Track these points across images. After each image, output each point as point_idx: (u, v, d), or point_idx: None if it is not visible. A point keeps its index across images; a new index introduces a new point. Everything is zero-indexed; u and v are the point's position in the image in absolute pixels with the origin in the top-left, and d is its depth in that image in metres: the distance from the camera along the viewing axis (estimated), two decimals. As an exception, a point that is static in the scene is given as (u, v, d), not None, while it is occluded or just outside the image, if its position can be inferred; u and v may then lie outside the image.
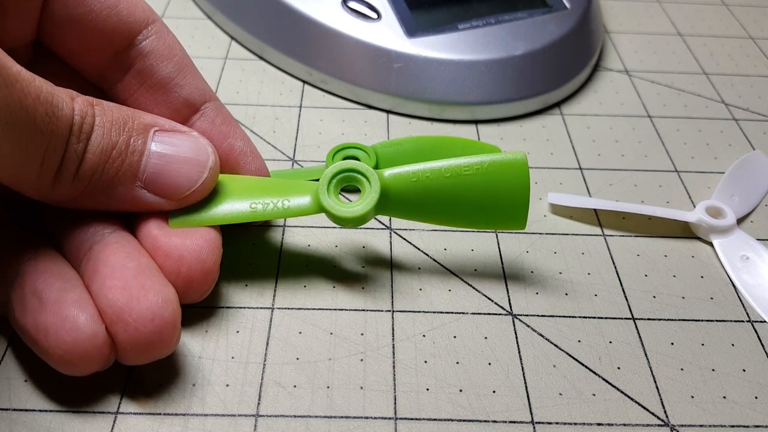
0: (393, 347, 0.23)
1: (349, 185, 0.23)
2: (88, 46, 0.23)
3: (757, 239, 0.28)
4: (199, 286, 0.21)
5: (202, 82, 0.25)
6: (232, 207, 0.23)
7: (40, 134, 0.19)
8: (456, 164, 0.23)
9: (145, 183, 0.21)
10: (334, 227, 0.27)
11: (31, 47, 0.23)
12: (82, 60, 0.24)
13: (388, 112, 0.34)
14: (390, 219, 0.28)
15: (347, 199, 0.27)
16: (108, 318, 0.19)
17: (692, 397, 0.22)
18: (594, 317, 0.25)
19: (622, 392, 0.22)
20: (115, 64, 0.24)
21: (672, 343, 0.24)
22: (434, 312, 0.24)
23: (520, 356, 0.23)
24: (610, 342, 0.24)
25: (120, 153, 0.21)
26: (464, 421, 0.21)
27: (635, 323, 0.24)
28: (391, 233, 0.27)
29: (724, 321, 0.25)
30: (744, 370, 0.23)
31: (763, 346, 0.24)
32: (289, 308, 0.24)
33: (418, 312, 0.24)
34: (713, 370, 0.23)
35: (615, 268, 0.26)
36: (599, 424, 0.21)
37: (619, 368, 0.23)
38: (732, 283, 0.26)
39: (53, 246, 0.22)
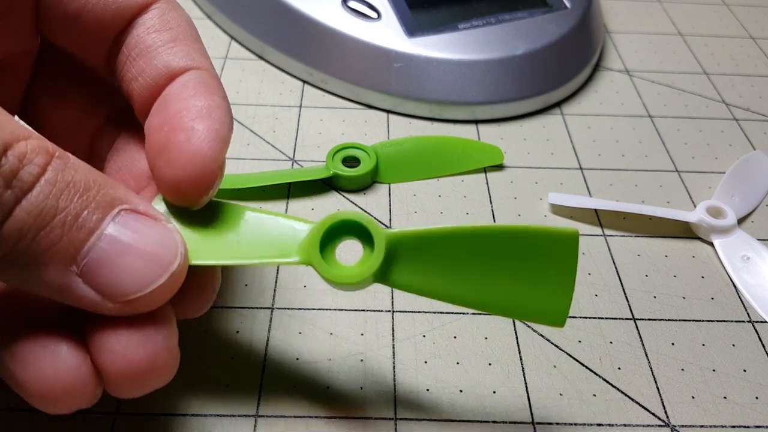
0: (393, 347, 0.23)
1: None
2: (89, 36, 0.21)
3: (758, 239, 0.28)
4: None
5: (195, 52, 0.21)
6: (216, 244, 0.19)
7: None
8: (491, 231, 0.18)
9: (81, 270, 0.16)
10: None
11: (35, 52, 0.23)
12: (88, 50, 0.22)
13: (388, 111, 0.34)
14: (390, 219, 0.28)
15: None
16: (92, 345, 0.17)
17: (693, 397, 0.22)
18: (594, 317, 0.25)
19: (622, 392, 0.22)
20: (115, 48, 0.21)
21: (672, 344, 0.24)
22: (434, 312, 0.24)
23: (520, 356, 0.23)
24: (611, 342, 0.24)
25: (62, 224, 0.16)
26: (464, 421, 0.21)
27: (636, 323, 0.24)
28: (391, 233, 0.27)
29: (724, 321, 0.25)
30: (745, 371, 0.23)
31: (763, 346, 0.24)
32: (289, 308, 0.24)
33: (418, 312, 0.24)
34: (714, 370, 0.23)
35: (615, 268, 0.26)
36: (600, 425, 0.21)
37: (619, 368, 0.23)
38: (733, 283, 0.26)
39: None
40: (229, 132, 0.19)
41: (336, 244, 0.19)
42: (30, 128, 0.17)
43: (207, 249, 0.18)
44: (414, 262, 0.18)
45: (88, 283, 0.16)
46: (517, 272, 0.18)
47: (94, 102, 0.23)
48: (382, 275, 0.18)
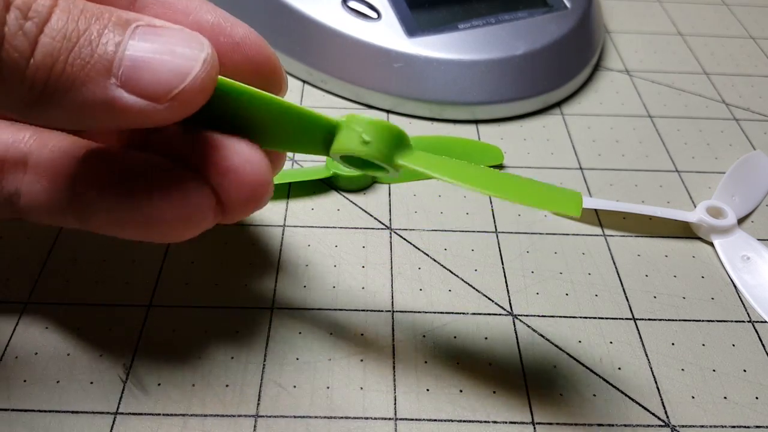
0: (393, 347, 0.23)
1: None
2: None
3: (758, 239, 0.28)
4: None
5: None
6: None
7: None
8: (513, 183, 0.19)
9: (121, 80, 0.16)
10: (334, 227, 0.27)
11: None
12: None
13: (388, 111, 0.34)
14: (390, 219, 0.28)
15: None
16: (214, 175, 0.18)
17: (693, 397, 0.22)
18: (594, 317, 0.25)
19: (622, 393, 0.22)
20: None
21: (673, 344, 0.24)
22: (434, 312, 0.24)
23: (520, 356, 0.23)
24: (611, 342, 0.24)
25: (89, 42, 0.16)
26: (464, 421, 0.21)
27: (636, 323, 0.24)
28: (391, 233, 0.27)
29: (724, 321, 0.25)
30: (745, 371, 0.23)
31: (763, 346, 0.24)
32: (289, 308, 0.24)
33: (418, 312, 0.24)
34: (714, 370, 0.23)
35: (615, 268, 0.26)
36: (600, 425, 0.21)
37: (619, 368, 0.23)
38: (733, 283, 0.26)
39: None
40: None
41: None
42: None
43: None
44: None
45: (131, 91, 0.17)
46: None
47: None
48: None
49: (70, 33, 0.16)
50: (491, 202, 0.29)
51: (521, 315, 0.24)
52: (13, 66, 0.16)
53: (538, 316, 0.24)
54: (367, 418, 0.21)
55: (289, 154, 0.31)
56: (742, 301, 0.25)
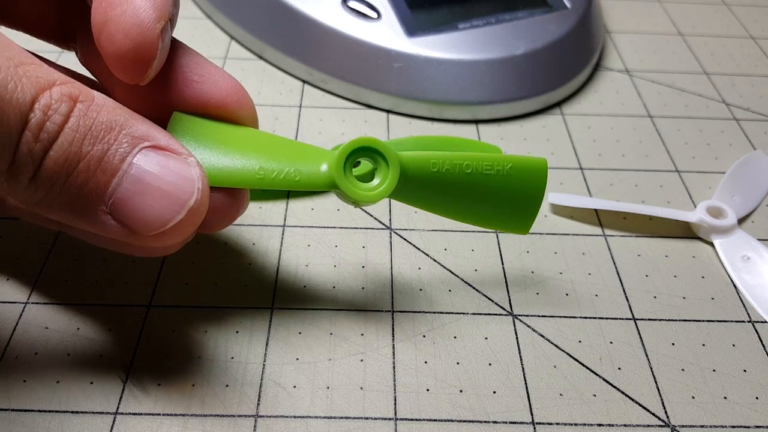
0: (393, 347, 0.23)
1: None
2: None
3: (758, 239, 0.28)
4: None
5: None
6: (238, 163, 0.20)
7: None
8: (478, 159, 0.22)
9: (110, 208, 0.18)
10: (334, 227, 0.27)
11: None
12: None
13: (388, 111, 0.34)
14: (390, 219, 0.28)
15: None
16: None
17: (693, 397, 0.22)
18: (595, 317, 0.25)
19: (622, 393, 0.22)
20: None
21: (673, 344, 0.24)
22: (434, 312, 0.24)
23: (520, 357, 0.23)
24: (611, 342, 0.24)
25: (87, 168, 0.17)
26: (464, 421, 0.21)
27: (636, 323, 0.24)
28: (391, 233, 0.27)
29: (724, 321, 0.25)
30: (745, 371, 0.23)
31: (763, 346, 0.24)
32: (289, 308, 0.24)
33: (418, 312, 0.24)
34: (714, 370, 0.23)
35: (616, 268, 0.26)
36: (600, 425, 0.21)
37: (619, 369, 0.23)
38: (733, 283, 0.26)
39: None
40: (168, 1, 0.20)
41: (351, 169, 0.21)
42: (56, 72, 0.18)
43: (230, 170, 0.20)
44: (418, 180, 0.21)
45: (117, 221, 0.18)
46: (501, 191, 0.22)
47: None
48: (396, 191, 0.21)
49: (72, 157, 0.17)
50: (491, 202, 0.29)
51: (521, 315, 0.24)
52: (15, 182, 0.17)
53: (538, 316, 0.24)
54: (367, 418, 0.21)
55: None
56: (742, 301, 0.25)
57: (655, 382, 0.23)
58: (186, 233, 0.18)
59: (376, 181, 0.21)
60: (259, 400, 0.21)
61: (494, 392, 0.22)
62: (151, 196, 0.18)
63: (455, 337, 0.24)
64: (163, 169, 0.18)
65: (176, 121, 0.20)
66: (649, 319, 0.25)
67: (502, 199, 0.22)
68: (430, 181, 0.22)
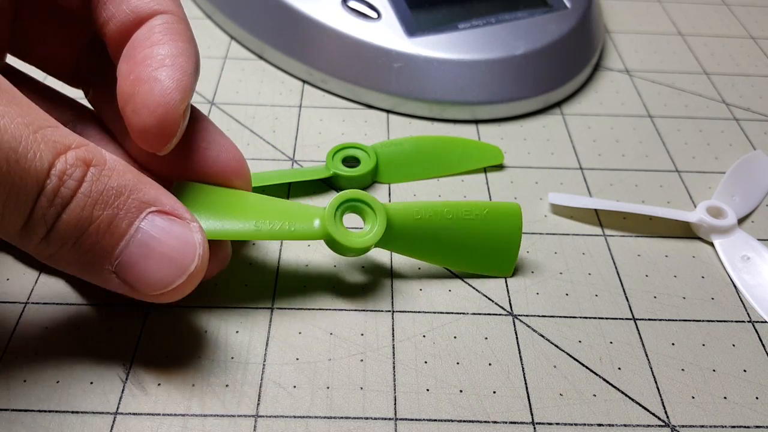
0: (393, 347, 0.23)
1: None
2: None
3: (758, 239, 0.28)
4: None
5: None
6: (236, 225, 0.22)
7: None
8: (457, 207, 0.24)
9: (115, 268, 0.19)
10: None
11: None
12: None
13: (388, 111, 0.34)
14: (390, 219, 0.28)
15: None
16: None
17: (693, 397, 0.22)
18: (595, 317, 0.25)
19: (622, 393, 0.22)
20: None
21: (673, 344, 0.24)
22: (434, 312, 0.24)
23: (520, 357, 0.23)
24: (611, 342, 0.24)
25: (96, 231, 0.18)
26: (464, 421, 0.21)
27: (636, 323, 0.24)
28: (391, 233, 0.27)
29: (724, 321, 0.25)
30: (745, 371, 0.23)
31: (763, 346, 0.24)
32: (288, 308, 0.24)
33: (418, 312, 0.24)
34: (714, 370, 0.23)
35: (616, 268, 0.26)
36: (600, 425, 0.21)
37: (619, 369, 0.23)
38: (733, 283, 0.26)
39: None
40: (192, 78, 0.21)
41: (341, 219, 0.23)
42: (72, 134, 0.18)
43: (228, 225, 0.22)
44: (404, 229, 0.24)
45: (122, 280, 0.19)
46: (481, 235, 0.25)
47: (73, 34, 0.25)
48: (383, 239, 0.23)
49: (83, 221, 0.18)
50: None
51: (521, 315, 0.24)
52: (27, 240, 0.18)
53: (538, 316, 0.24)
54: (367, 418, 0.21)
55: (289, 154, 0.31)
56: (742, 301, 0.25)
57: (655, 382, 0.23)
58: (184, 294, 0.20)
59: (366, 228, 0.23)
60: (259, 400, 0.21)
61: (494, 392, 0.22)
62: (155, 260, 0.19)
63: (455, 337, 0.24)
64: (168, 235, 0.19)
65: (177, 187, 0.22)
66: (649, 319, 0.25)
67: (483, 242, 0.25)
68: (414, 228, 0.24)
